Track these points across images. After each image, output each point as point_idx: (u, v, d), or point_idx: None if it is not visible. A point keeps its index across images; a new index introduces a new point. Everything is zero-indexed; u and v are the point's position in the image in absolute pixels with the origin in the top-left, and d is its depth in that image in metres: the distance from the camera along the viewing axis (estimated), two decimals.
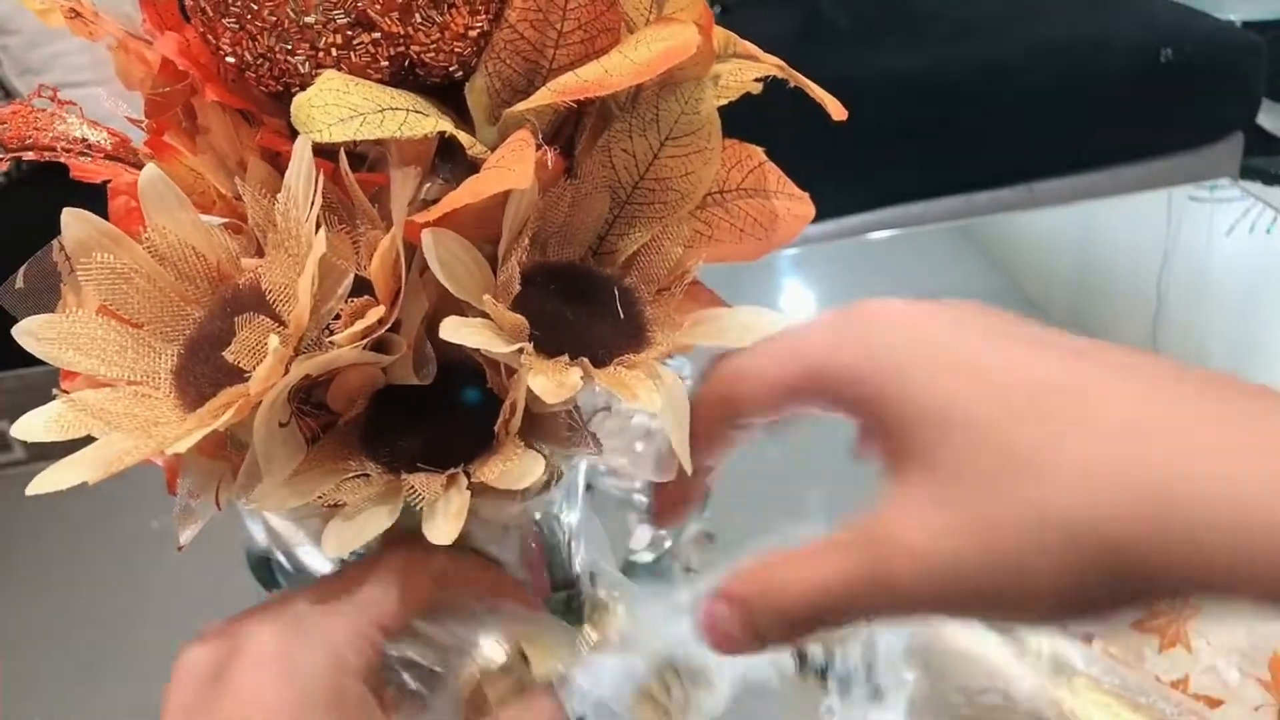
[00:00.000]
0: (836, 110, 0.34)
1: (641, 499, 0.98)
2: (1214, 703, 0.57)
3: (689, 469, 0.30)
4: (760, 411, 0.31)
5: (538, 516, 0.40)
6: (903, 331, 0.27)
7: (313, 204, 0.29)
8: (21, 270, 0.34)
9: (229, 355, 0.29)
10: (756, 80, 0.36)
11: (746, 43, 0.35)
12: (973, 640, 0.57)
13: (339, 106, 0.29)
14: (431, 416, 0.32)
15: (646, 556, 0.99)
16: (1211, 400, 0.24)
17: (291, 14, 0.31)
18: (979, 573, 0.24)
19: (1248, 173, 1.71)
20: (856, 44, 1.61)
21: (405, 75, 0.32)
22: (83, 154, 0.35)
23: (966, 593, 0.25)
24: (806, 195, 0.35)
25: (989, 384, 0.25)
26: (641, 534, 0.99)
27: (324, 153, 0.30)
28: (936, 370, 0.26)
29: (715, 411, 0.31)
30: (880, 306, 0.28)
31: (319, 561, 0.37)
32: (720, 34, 0.34)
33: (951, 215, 1.59)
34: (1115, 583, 0.23)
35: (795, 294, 1.77)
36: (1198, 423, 0.24)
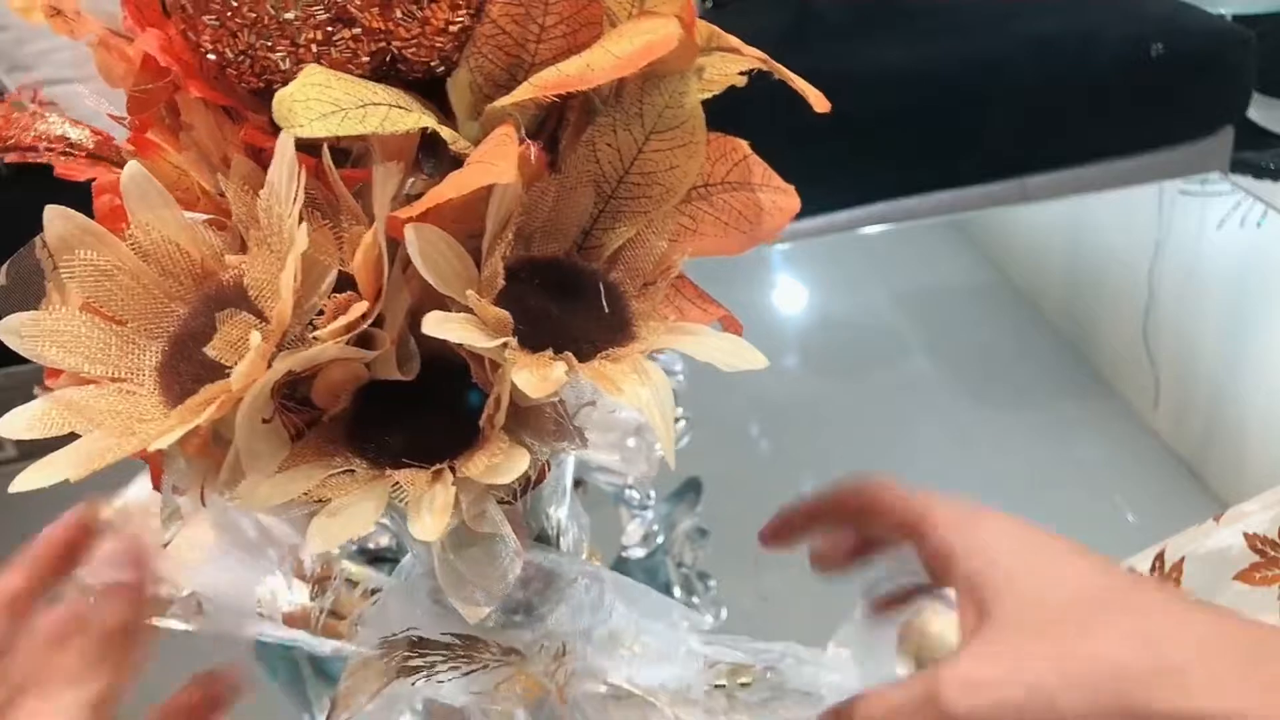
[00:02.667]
0: (819, 102, 0.34)
1: (634, 494, 0.98)
2: None
3: (673, 463, 0.30)
4: (875, 534, 0.40)
5: (526, 510, 0.40)
6: (1003, 535, 0.36)
7: (295, 200, 0.29)
8: (4, 267, 0.34)
9: (211, 351, 0.29)
10: (741, 74, 0.36)
11: (730, 36, 0.35)
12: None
13: (321, 102, 0.29)
14: (416, 412, 0.32)
15: (639, 552, 0.99)
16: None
17: (271, 10, 0.30)
18: (1010, 697, 0.32)
19: (1238, 166, 1.71)
20: (847, 38, 1.60)
21: (387, 71, 0.32)
22: (65, 153, 0.35)
23: (999, 713, 0.32)
24: (792, 188, 0.35)
25: (1056, 579, 0.34)
26: (634, 529, 0.99)
27: (307, 148, 0.30)
28: (1020, 566, 0.35)
29: (840, 512, 0.40)
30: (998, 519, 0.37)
31: None
32: (703, 27, 0.34)
33: (943, 210, 1.59)
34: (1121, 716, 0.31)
35: (786, 289, 1.77)
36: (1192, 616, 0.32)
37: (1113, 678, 0.31)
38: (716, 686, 0.44)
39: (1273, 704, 0.30)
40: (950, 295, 1.73)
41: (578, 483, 0.43)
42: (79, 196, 0.34)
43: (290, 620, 0.43)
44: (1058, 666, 0.32)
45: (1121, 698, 0.31)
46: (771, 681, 0.45)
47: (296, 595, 0.43)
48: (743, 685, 0.45)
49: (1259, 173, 1.77)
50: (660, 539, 1.02)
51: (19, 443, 0.32)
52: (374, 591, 0.44)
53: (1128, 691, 0.31)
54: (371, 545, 0.80)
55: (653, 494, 1.01)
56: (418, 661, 0.39)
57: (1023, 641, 0.33)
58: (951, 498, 0.38)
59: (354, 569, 0.45)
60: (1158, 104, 1.60)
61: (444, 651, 0.39)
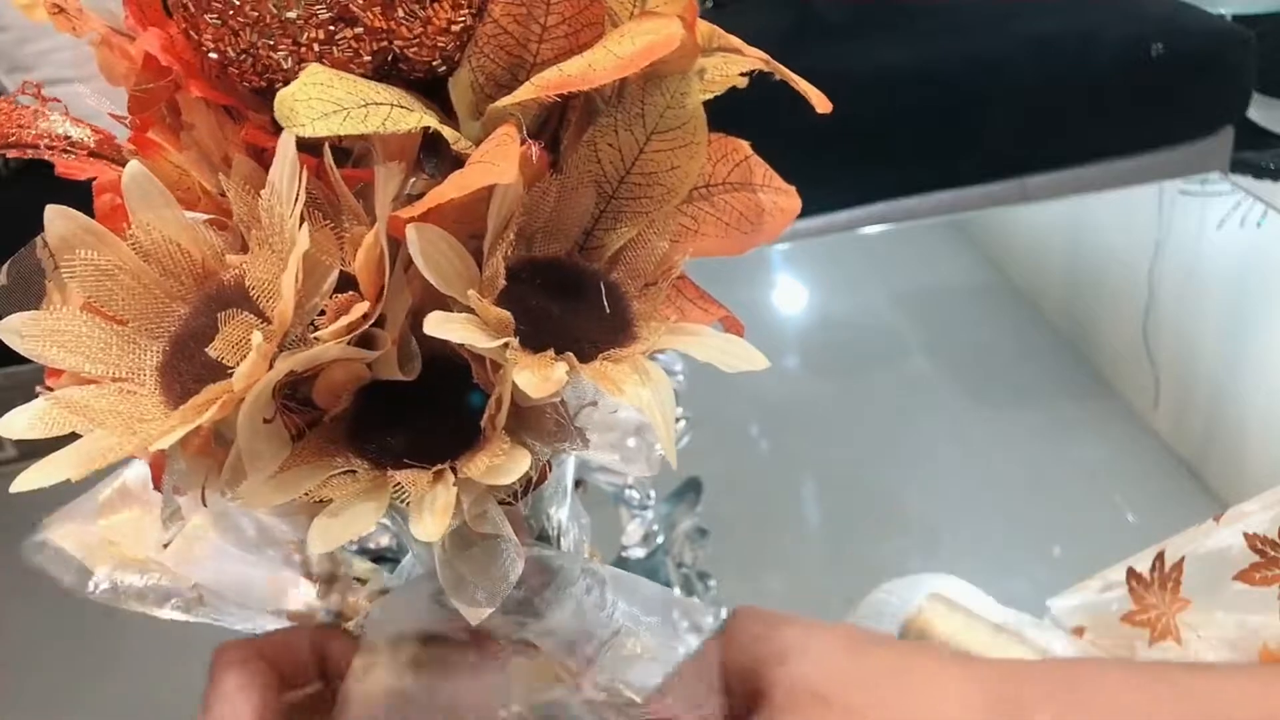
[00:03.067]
0: (821, 103, 0.34)
1: (634, 494, 0.98)
2: None
3: (674, 463, 0.30)
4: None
5: (527, 512, 0.40)
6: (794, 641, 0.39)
7: (297, 199, 0.29)
8: (4, 267, 0.34)
9: (212, 351, 0.29)
10: (742, 74, 0.36)
11: (731, 36, 0.35)
12: (966, 633, 0.57)
13: (323, 101, 0.29)
14: (417, 412, 0.32)
15: (639, 552, 0.99)
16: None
17: (273, 9, 0.30)
18: None
19: (1238, 166, 1.71)
20: (847, 38, 1.61)
21: (388, 70, 0.32)
22: (66, 151, 0.35)
23: None
24: (793, 189, 0.35)
25: (840, 675, 0.37)
26: (634, 529, 0.99)
27: (308, 148, 0.30)
28: (805, 663, 0.38)
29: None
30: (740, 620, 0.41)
31: None
32: (705, 28, 0.34)
33: (943, 210, 1.59)
34: None
35: (786, 289, 1.77)
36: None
37: None
38: None
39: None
40: (950, 295, 1.73)
41: (578, 483, 0.43)
42: (79, 196, 0.34)
43: (295, 619, 0.43)
44: None
45: None
46: None
47: (303, 593, 0.43)
48: None
49: (1259, 173, 1.77)
50: (660, 539, 1.02)
51: (19, 443, 0.32)
52: (383, 592, 0.44)
53: None
54: (372, 545, 0.80)
55: (653, 494, 1.02)
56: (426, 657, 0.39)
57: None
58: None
59: (361, 568, 0.45)
60: (1158, 104, 1.60)
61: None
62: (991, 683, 0.37)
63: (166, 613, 0.43)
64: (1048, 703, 0.36)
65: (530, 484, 0.34)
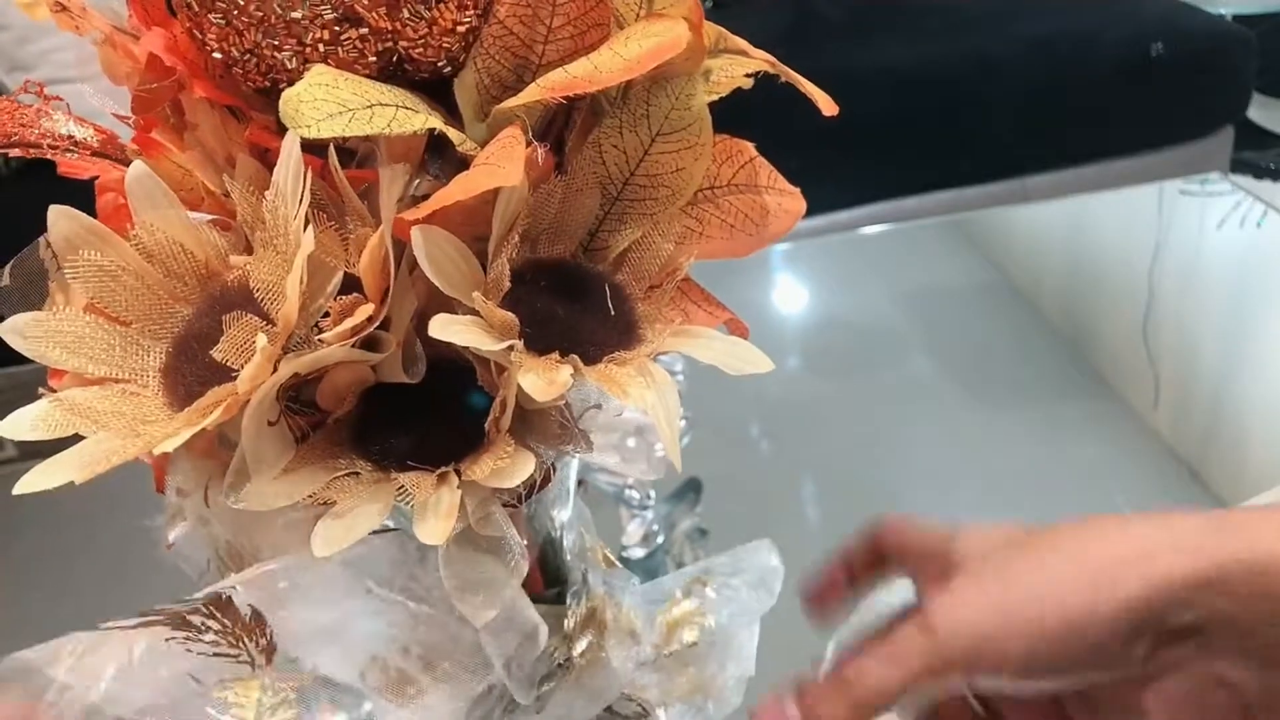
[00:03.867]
0: (827, 105, 0.34)
1: (634, 494, 0.98)
2: None
3: (679, 466, 0.30)
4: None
5: (530, 513, 0.40)
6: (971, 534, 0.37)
7: (301, 201, 0.29)
8: (8, 267, 0.34)
9: (217, 354, 0.29)
10: (747, 76, 0.36)
11: (737, 38, 0.35)
12: None
13: (328, 102, 0.29)
14: (421, 415, 0.32)
15: (639, 552, 0.99)
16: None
17: (278, 9, 0.30)
18: (1002, 649, 0.32)
19: (1238, 166, 1.71)
20: (849, 39, 1.61)
21: (393, 71, 0.32)
22: (69, 150, 0.34)
23: (1009, 660, 0.33)
24: (797, 190, 0.35)
25: (1019, 538, 0.35)
26: (634, 529, 0.99)
27: (312, 149, 0.30)
28: (984, 542, 0.36)
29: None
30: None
31: None
32: (710, 29, 0.34)
33: (943, 210, 1.59)
34: (1131, 637, 0.32)
35: (787, 289, 1.76)
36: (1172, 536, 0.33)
37: (1118, 606, 0.32)
38: None
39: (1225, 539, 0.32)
40: (950, 295, 1.73)
41: (579, 482, 0.42)
42: (81, 196, 0.34)
43: None
44: (1059, 605, 0.32)
45: (1124, 623, 0.32)
46: None
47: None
48: None
49: (1259, 173, 1.77)
50: (660, 539, 1.02)
51: (20, 444, 0.32)
52: None
53: (1127, 620, 0.32)
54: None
55: (653, 494, 1.01)
56: None
57: (1010, 587, 0.33)
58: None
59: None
60: (1158, 104, 1.60)
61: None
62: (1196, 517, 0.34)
63: None
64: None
65: (534, 487, 0.34)
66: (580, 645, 0.42)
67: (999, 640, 0.32)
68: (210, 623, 0.37)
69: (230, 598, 0.36)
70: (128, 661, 0.36)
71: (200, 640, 0.36)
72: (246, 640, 0.37)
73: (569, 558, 0.43)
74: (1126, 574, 0.32)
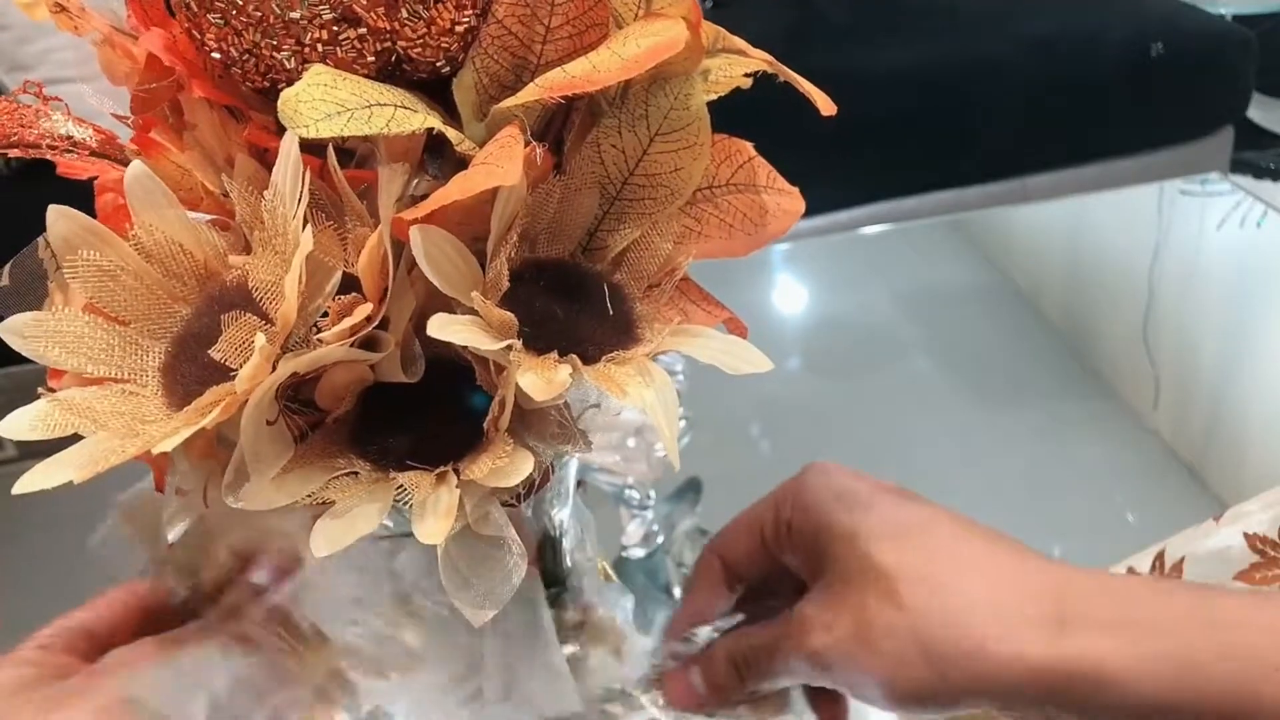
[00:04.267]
0: (825, 105, 0.34)
1: (634, 494, 0.98)
2: None
3: (676, 464, 0.30)
4: (751, 571, 0.43)
5: (529, 513, 0.40)
6: (826, 494, 0.40)
7: (300, 200, 0.29)
8: (7, 268, 0.34)
9: (215, 353, 0.29)
10: (746, 75, 0.36)
11: (735, 38, 0.35)
12: None
13: (326, 102, 0.29)
14: (420, 414, 0.32)
15: (639, 552, 0.99)
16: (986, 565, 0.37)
17: (276, 9, 0.30)
18: (850, 655, 0.37)
19: (1238, 166, 1.71)
20: (849, 39, 1.61)
21: (392, 71, 0.32)
22: (68, 151, 0.35)
23: (839, 667, 0.37)
24: (796, 190, 0.35)
25: (873, 530, 0.38)
26: (634, 529, 0.99)
27: (311, 149, 0.30)
28: (849, 526, 0.39)
29: (714, 577, 0.44)
30: (813, 478, 0.41)
31: None
32: (709, 29, 0.34)
33: (943, 210, 1.59)
34: (936, 677, 0.35)
35: (787, 289, 1.76)
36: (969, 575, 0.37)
37: (913, 634, 0.36)
38: None
39: (1060, 646, 0.34)
40: (950, 295, 1.73)
41: (578, 483, 0.42)
42: (80, 196, 0.34)
43: None
44: (878, 619, 0.36)
45: (932, 659, 0.35)
46: None
47: None
48: None
49: (1259, 173, 1.77)
50: (660, 539, 1.02)
51: (19, 443, 0.32)
52: None
53: (929, 642, 0.35)
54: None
55: (653, 494, 1.01)
56: None
57: (852, 595, 0.37)
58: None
59: None
60: (1158, 104, 1.60)
61: None
62: (1055, 587, 0.36)
63: None
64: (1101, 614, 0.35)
65: (534, 486, 0.34)
66: (568, 650, 0.42)
67: (855, 675, 0.37)
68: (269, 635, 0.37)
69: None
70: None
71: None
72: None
73: (568, 557, 0.43)
74: (964, 670, 0.35)
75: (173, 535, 0.36)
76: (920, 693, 0.35)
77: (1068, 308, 1.80)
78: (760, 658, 0.40)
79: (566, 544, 0.44)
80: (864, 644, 0.36)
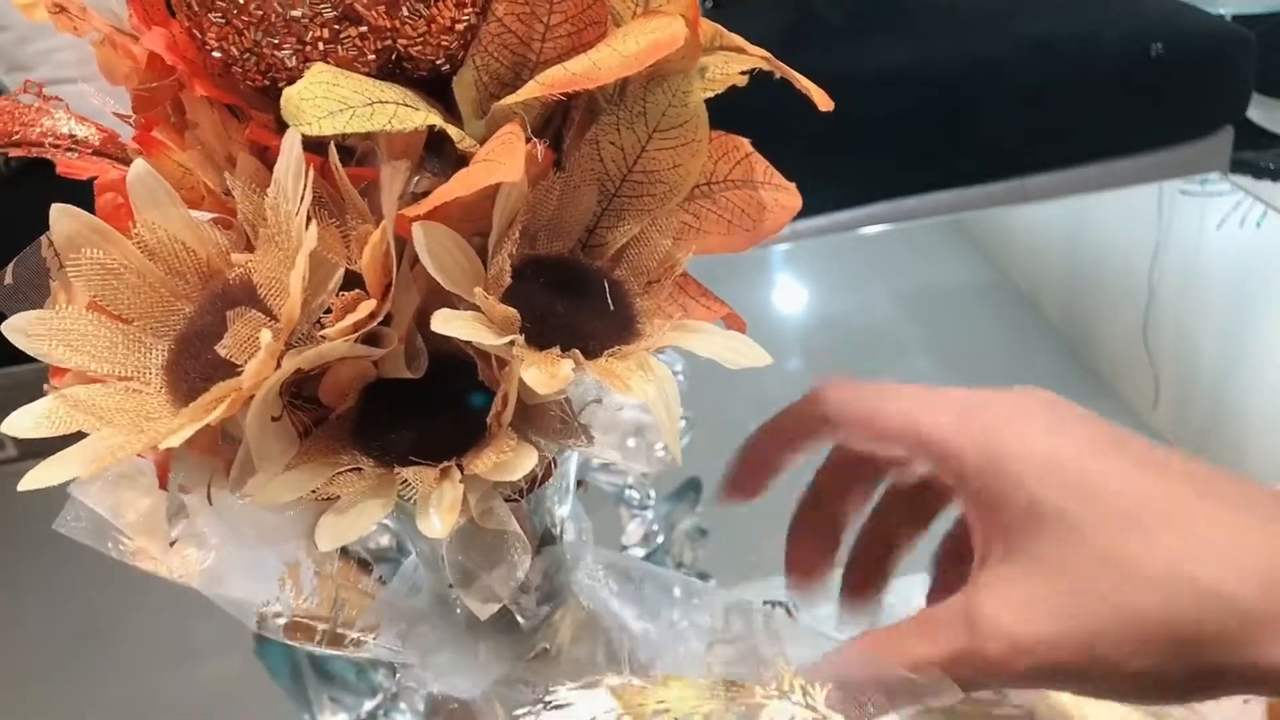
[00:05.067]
0: (823, 101, 0.34)
1: (634, 494, 0.99)
2: None
3: (678, 461, 0.31)
4: (872, 445, 0.36)
5: (530, 508, 0.40)
6: (1022, 443, 0.32)
7: (302, 198, 0.29)
8: (10, 266, 0.34)
9: (221, 349, 0.29)
10: (743, 73, 0.36)
11: (734, 35, 0.35)
12: None
13: (328, 100, 0.29)
14: (423, 410, 0.32)
15: (639, 552, 0.99)
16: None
17: (278, 8, 0.31)
18: (1068, 659, 0.29)
19: (1238, 166, 1.71)
20: (848, 38, 1.61)
21: (392, 69, 0.32)
22: (70, 150, 0.35)
23: (1053, 675, 0.29)
24: (793, 185, 0.35)
25: (1091, 495, 0.30)
26: (634, 529, 0.99)
27: (313, 146, 0.30)
28: (1047, 481, 0.30)
29: (824, 426, 0.37)
30: (1007, 409, 0.33)
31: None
32: (707, 26, 0.34)
33: (943, 210, 1.59)
34: (1189, 673, 0.28)
35: (787, 289, 1.77)
36: (1260, 539, 0.29)
37: (1172, 635, 0.28)
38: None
39: None
40: (950, 295, 1.73)
41: (579, 482, 0.43)
42: (80, 195, 0.34)
43: (291, 631, 0.43)
44: (1114, 624, 0.28)
45: (1186, 654, 0.28)
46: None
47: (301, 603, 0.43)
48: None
49: (1259, 173, 1.77)
50: (660, 539, 1.02)
51: (20, 443, 0.32)
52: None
53: (1193, 649, 0.28)
54: (371, 545, 0.80)
55: (653, 494, 1.02)
56: None
57: (1066, 587, 0.29)
58: (926, 392, 0.35)
59: (358, 582, 0.44)
60: (1158, 104, 1.60)
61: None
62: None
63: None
64: None
65: (536, 481, 0.34)
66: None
67: (1063, 648, 0.29)
68: None
69: None
70: None
71: None
72: None
73: (568, 555, 0.43)
74: (1198, 609, 0.28)
75: (175, 534, 0.36)
76: (1132, 661, 0.28)
77: (1068, 308, 1.81)
78: (910, 645, 0.32)
79: (566, 540, 0.44)
80: (1066, 603, 0.29)
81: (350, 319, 0.29)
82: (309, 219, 0.29)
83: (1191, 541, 0.29)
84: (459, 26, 0.32)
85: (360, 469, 0.30)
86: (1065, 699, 0.54)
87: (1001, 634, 0.30)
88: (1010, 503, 0.31)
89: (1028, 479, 0.31)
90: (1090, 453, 0.31)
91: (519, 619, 0.40)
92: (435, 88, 0.33)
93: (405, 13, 0.31)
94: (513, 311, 0.29)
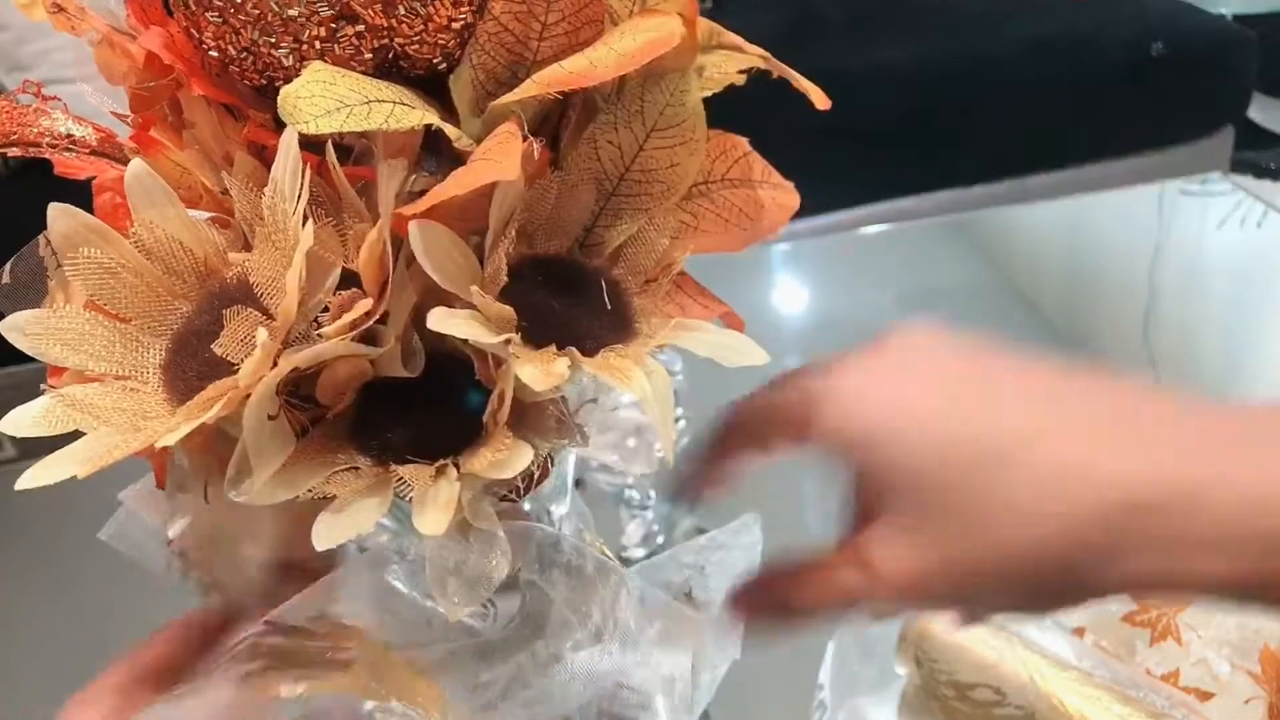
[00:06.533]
0: (820, 100, 0.34)
1: (634, 494, 0.99)
2: (1205, 695, 0.57)
3: (671, 458, 0.31)
4: (782, 448, 0.38)
5: (527, 508, 0.40)
6: (869, 415, 0.35)
7: (299, 197, 0.29)
8: (8, 266, 0.34)
9: (218, 348, 0.29)
10: (742, 72, 0.36)
11: (731, 34, 0.35)
12: (965, 635, 0.57)
13: (326, 98, 0.29)
14: (420, 408, 0.32)
15: (639, 552, 0.99)
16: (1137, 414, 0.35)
17: (275, 7, 0.31)
18: (947, 591, 0.33)
19: (1239, 166, 1.71)
20: (848, 38, 1.61)
21: (389, 68, 0.32)
22: (68, 149, 0.35)
23: (939, 602, 0.35)
24: (791, 184, 0.35)
25: (937, 449, 0.33)
26: (634, 529, 0.99)
27: (309, 146, 0.30)
28: (895, 446, 0.34)
29: (741, 440, 0.39)
30: (856, 381, 0.36)
31: None
32: (704, 25, 0.34)
33: (943, 209, 1.59)
34: (1046, 590, 0.32)
35: (786, 289, 1.76)
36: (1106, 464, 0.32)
37: (1023, 562, 0.32)
38: None
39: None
40: (950, 295, 1.73)
41: (578, 482, 0.43)
42: (80, 195, 0.34)
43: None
44: (972, 556, 0.33)
45: (1041, 576, 0.32)
46: None
47: None
48: None
49: (1259, 173, 1.77)
50: (660, 539, 1.02)
51: (18, 442, 0.32)
52: None
53: (1048, 572, 0.32)
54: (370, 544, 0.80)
55: (653, 494, 1.02)
56: None
57: (930, 533, 0.33)
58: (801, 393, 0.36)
59: None
60: (1158, 104, 1.60)
61: None
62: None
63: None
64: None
65: (532, 480, 0.34)
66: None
67: (936, 581, 0.33)
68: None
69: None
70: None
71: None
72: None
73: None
74: (1072, 506, 0.31)
75: (173, 532, 0.36)
76: (1018, 573, 0.32)
77: (1068, 308, 1.80)
78: (812, 594, 0.35)
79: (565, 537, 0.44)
80: (947, 533, 0.33)
81: (347, 318, 0.29)
82: (306, 218, 0.29)
83: (1036, 473, 0.32)
84: (456, 25, 0.32)
85: (357, 468, 0.30)
86: (1065, 699, 0.55)
87: (887, 580, 0.34)
88: (890, 475, 0.34)
89: (881, 448, 0.34)
90: (938, 403, 0.34)
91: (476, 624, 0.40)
92: (432, 86, 0.33)
93: (402, 11, 0.31)
94: (509, 310, 0.29)
